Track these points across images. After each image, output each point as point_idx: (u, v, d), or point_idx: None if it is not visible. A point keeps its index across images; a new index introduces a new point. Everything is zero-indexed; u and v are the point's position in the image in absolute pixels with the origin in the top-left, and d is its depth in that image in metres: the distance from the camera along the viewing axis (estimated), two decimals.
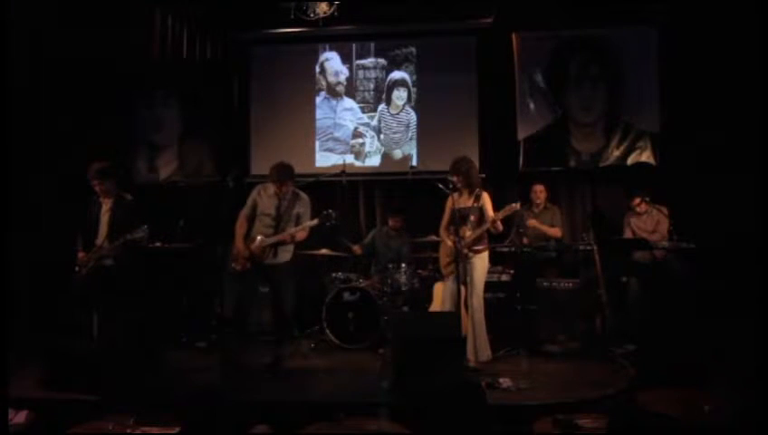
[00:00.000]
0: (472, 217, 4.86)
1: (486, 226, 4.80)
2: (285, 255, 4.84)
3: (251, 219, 4.86)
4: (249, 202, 4.89)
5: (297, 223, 4.80)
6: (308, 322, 6.07)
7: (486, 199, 4.95)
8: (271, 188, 4.84)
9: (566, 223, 6.32)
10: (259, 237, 4.74)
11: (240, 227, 4.83)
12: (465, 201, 4.93)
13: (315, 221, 4.80)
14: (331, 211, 4.83)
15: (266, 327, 5.12)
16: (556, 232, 6.05)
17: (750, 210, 4.65)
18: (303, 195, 4.92)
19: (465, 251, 4.75)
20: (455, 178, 4.92)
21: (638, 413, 2.89)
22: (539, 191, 6.10)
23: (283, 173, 4.78)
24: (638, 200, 5.85)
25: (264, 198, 4.86)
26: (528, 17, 6.71)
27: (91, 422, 3.33)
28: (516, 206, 4.88)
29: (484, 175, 6.66)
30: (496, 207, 4.96)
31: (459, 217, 4.82)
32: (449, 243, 4.91)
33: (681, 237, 5.44)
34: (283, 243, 4.76)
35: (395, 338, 4.44)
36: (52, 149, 6.20)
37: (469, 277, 4.73)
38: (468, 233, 4.82)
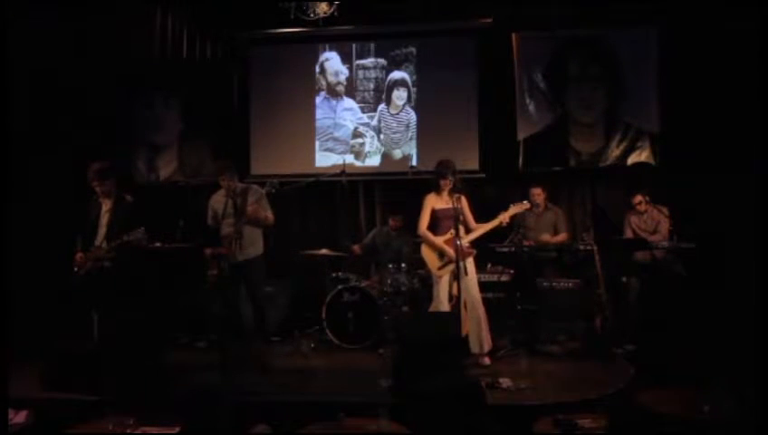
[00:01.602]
0: (461, 218, 4.91)
1: (494, 224, 4.93)
2: (254, 249, 4.96)
3: (216, 227, 5.03)
4: (209, 213, 5.09)
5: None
6: (308, 322, 6.08)
7: (465, 202, 5.02)
8: (220, 192, 5.03)
9: (567, 223, 6.31)
10: (225, 244, 4.89)
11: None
12: (447, 202, 4.96)
13: (263, 190, 4.96)
14: (267, 181, 5.01)
15: (253, 327, 5.13)
16: (562, 237, 6.01)
17: (750, 210, 4.65)
18: (254, 186, 5.09)
19: (467, 249, 4.85)
20: (449, 180, 4.93)
21: (638, 413, 2.90)
22: (536, 194, 6.07)
23: (223, 168, 4.97)
24: (639, 198, 5.84)
25: (218, 203, 5.02)
26: (528, 17, 6.71)
27: (91, 422, 3.33)
28: (526, 204, 5.08)
29: (484, 175, 6.72)
30: (496, 208, 5.04)
31: (455, 218, 4.84)
32: (442, 243, 4.91)
33: (681, 237, 5.44)
34: (247, 222, 4.85)
35: (395, 338, 4.44)
36: (52, 149, 6.20)
37: (467, 274, 4.78)
38: (463, 233, 4.87)
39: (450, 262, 4.88)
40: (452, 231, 4.83)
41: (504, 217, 4.95)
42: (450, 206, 4.91)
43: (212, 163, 6.98)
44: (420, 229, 5.02)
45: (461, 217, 4.86)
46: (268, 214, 4.97)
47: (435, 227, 4.99)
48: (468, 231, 4.97)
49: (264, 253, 5.05)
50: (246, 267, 4.91)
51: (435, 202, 5.00)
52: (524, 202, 5.12)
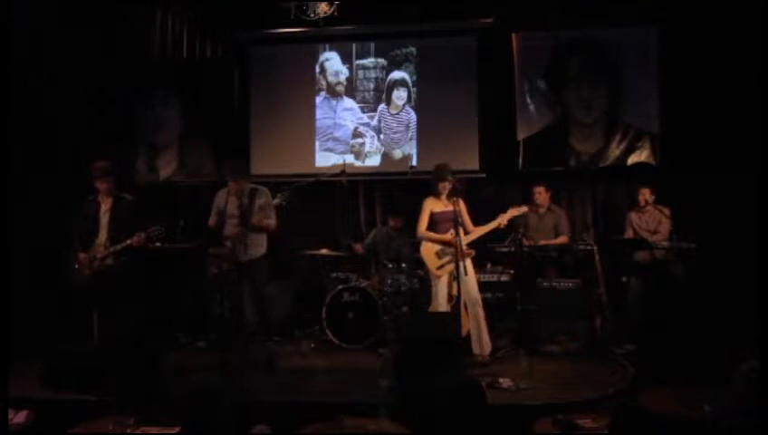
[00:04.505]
0: (459, 221, 4.92)
1: (491, 227, 4.98)
2: (258, 249, 4.98)
3: (219, 225, 5.01)
4: (213, 210, 5.07)
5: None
6: (308, 322, 6.07)
7: (463, 205, 5.04)
8: (226, 190, 5.04)
9: (568, 225, 6.29)
10: (227, 243, 4.91)
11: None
12: (445, 205, 5.00)
13: (269, 194, 5.04)
14: (279, 194, 5.18)
15: (256, 327, 5.13)
16: (562, 240, 5.98)
17: (750, 210, 4.66)
18: (262, 188, 5.10)
19: (466, 250, 4.85)
20: (447, 184, 4.96)
21: (638, 413, 2.90)
22: (539, 193, 6.05)
23: (235, 169, 4.99)
24: (645, 191, 5.75)
25: (224, 202, 5.01)
26: (528, 17, 6.70)
27: (91, 422, 3.33)
28: (524, 208, 5.16)
29: (484, 175, 6.72)
30: (496, 208, 5.10)
31: (454, 221, 4.87)
32: (445, 238, 4.93)
33: (681, 238, 5.43)
34: (252, 229, 4.89)
35: (395, 338, 4.44)
36: (51, 149, 6.20)
37: (466, 275, 4.79)
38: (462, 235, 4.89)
39: (449, 262, 4.89)
40: (451, 232, 4.84)
41: (501, 220, 5.01)
42: (448, 209, 4.95)
43: (212, 163, 7.01)
44: (420, 231, 5.05)
45: (459, 220, 4.88)
46: (271, 221, 5.02)
47: (433, 229, 5.02)
48: (466, 233, 4.99)
49: (267, 253, 5.07)
50: (250, 267, 4.93)
51: (433, 205, 5.03)
52: (522, 206, 5.18)
